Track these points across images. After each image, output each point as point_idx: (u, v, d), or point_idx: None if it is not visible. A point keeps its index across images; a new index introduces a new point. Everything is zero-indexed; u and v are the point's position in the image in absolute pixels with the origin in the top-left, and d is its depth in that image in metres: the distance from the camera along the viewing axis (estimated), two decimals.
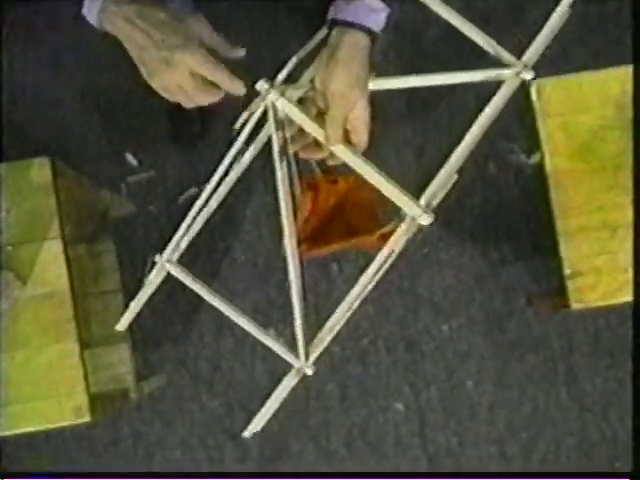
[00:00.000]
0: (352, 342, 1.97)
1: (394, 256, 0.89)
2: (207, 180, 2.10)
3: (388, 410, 1.96)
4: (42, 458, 1.95)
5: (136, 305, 1.03)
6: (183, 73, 0.83)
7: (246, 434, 0.93)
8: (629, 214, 1.38)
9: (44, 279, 1.41)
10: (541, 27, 0.91)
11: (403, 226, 0.88)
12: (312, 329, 0.93)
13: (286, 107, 0.89)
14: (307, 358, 0.92)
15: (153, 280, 1.01)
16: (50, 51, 2.04)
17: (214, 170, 0.99)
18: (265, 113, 0.91)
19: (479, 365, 1.96)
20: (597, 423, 1.94)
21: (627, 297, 1.39)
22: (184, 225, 1.01)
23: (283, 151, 0.90)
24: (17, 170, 1.45)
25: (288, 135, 0.92)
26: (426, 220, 0.86)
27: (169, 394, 1.95)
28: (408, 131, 2.01)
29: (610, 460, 1.94)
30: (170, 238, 1.03)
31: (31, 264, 1.41)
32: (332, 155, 0.91)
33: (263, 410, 0.93)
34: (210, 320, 1.94)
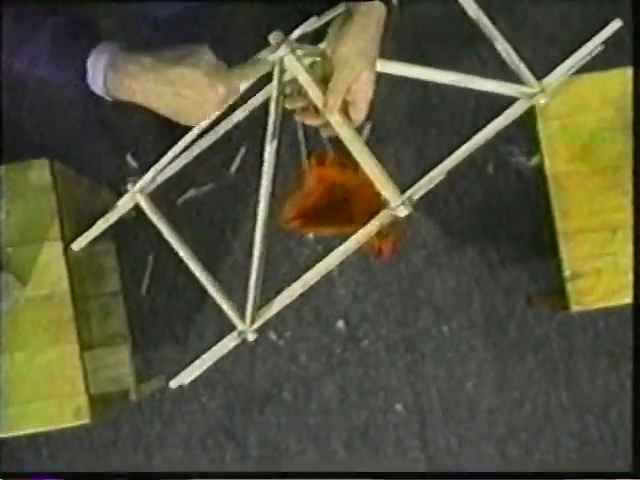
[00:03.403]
0: (352, 343, 1.97)
1: (361, 242, 0.89)
2: (207, 182, 2.10)
3: (388, 411, 1.96)
4: (42, 458, 1.95)
5: (98, 227, 1.02)
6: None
7: (172, 384, 0.92)
8: (629, 216, 1.38)
9: (44, 280, 1.41)
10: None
11: (379, 214, 0.87)
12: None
13: (293, 64, 0.87)
14: (252, 323, 0.91)
15: (121, 206, 1.01)
16: None
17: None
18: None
19: (479, 366, 1.96)
20: (597, 424, 1.94)
21: (627, 299, 1.39)
22: (164, 160, 1.00)
23: (280, 109, 0.88)
24: (17, 171, 1.45)
25: (288, 91, 0.90)
26: (403, 212, 0.86)
27: (169, 395, 1.95)
28: (408, 130, 2.00)
29: (610, 460, 1.94)
30: None
31: (31, 265, 1.41)
32: (327, 125, 0.89)
33: (196, 363, 0.92)
34: (210, 320, 1.94)
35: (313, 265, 0.92)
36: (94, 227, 1.04)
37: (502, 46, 0.92)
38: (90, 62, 0.84)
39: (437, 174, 0.89)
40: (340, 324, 1.97)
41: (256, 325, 0.92)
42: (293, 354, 1.96)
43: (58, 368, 1.39)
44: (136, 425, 1.96)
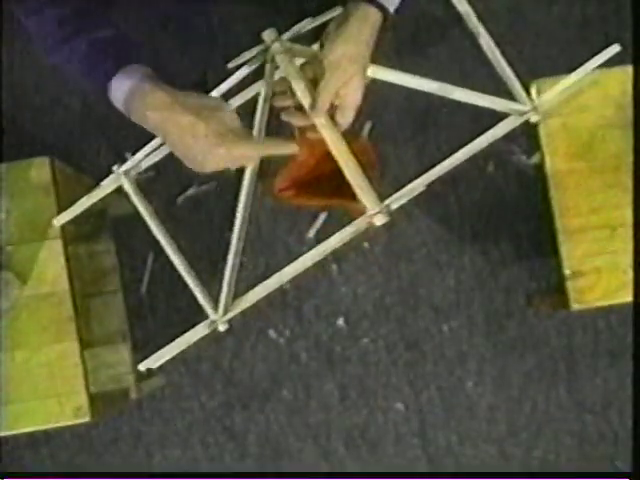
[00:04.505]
0: (352, 342, 1.97)
1: (339, 245, 0.89)
2: (207, 180, 2.11)
3: (388, 410, 1.96)
4: (42, 458, 1.95)
5: (82, 204, 1.02)
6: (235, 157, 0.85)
7: (140, 367, 0.93)
8: (629, 214, 1.38)
9: (44, 279, 1.41)
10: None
11: (357, 220, 0.87)
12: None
13: (285, 63, 0.87)
14: (225, 314, 0.92)
15: (105, 186, 1.02)
16: None
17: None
18: (261, 66, 0.90)
19: (479, 365, 1.96)
20: (597, 423, 1.95)
21: (627, 297, 1.39)
22: (151, 145, 1.00)
23: (268, 106, 0.88)
24: (17, 170, 1.45)
25: (277, 89, 0.91)
26: (380, 220, 0.86)
27: (169, 394, 1.95)
28: (408, 129, 2.00)
29: (610, 460, 1.94)
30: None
31: (31, 264, 1.41)
32: (313, 127, 0.90)
33: (166, 348, 0.92)
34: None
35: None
36: (77, 204, 1.04)
37: (497, 63, 0.92)
38: (114, 82, 0.87)
39: (417, 185, 0.89)
40: (340, 322, 1.97)
41: (228, 316, 0.93)
42: (293, 352, 1.96)
43: (58, 366, 1.39)
44: (136, 424, 1.96)
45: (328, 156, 1.04)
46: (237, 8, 1.98)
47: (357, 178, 0.87)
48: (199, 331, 0.94)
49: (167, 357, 0.93)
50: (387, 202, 0.87)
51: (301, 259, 0.91)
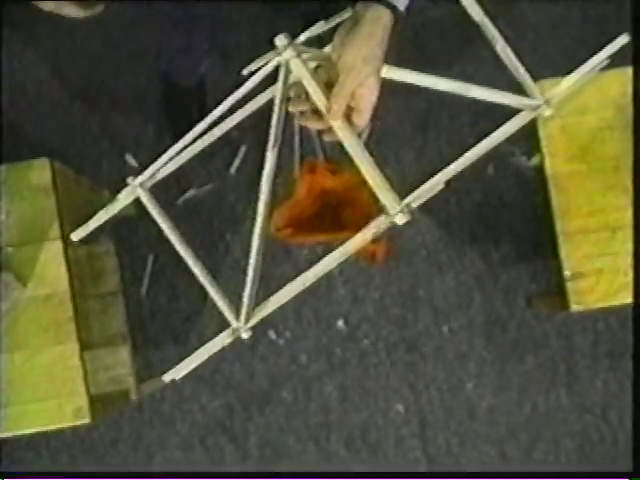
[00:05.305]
0: (352, 343, 1.97)
1: (360, 246, 0.89)
2: (206, 182, 2.11)
3: (388, 411, 1.96)
4: (42, 458, 1.95)
5: (99, 218, 1.02)
6: None
7: (165, 378, 0.93)
8: (629, 215, 1.39)
9: (44, 280, 1.41)
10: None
11: (377, 220, 0.87)
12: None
13: (299, 68, 0.87)
14: (247, 321, 0.92)
15: (121, 199, 1.01)
16: (50, 51, 2.04)
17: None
18: (275, 71, 0.90)
19: (479, 366, 1.96)
20: (597, 424, 1.94)
21: (627, 299, 1.39)
22: (165, 156, 1.00)
23: (284, 112, 0.88)
24: (17, 171, 1.45)
25: (291, 94, 0.90)
26: (401, 220, 0.86)
27: (169, 395, 1.95)
28: (408, 130, 2.01)
29: (610, 460, 1.94)
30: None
31: (31, 265, 1.41)
32: (329, 130, 0.90)
33: (190, 358, 0.92)
34: (210, 320, 1.94)
35: (312, 266, 0.92)
36: (94, 218, 1.04)
37: (507, 57, 0.92)
38: None
39: (436, 182, 0.89)
40: (340, 324, 1.97)
41: (251, 323, 0.93)
42: (293, 354, 1.96)
43: (58, 368, 1.39)
44: (136, 425, 1.96)
45: (325, 192, 1.05)
46: (238, 8, 1.99)
47: (376, 178, 0.86)
48: (222, 340, 0.94)
49: (191, 367, 0.93)
50: (407, 201, 0.87)
51: (323, 261, 0.90)
